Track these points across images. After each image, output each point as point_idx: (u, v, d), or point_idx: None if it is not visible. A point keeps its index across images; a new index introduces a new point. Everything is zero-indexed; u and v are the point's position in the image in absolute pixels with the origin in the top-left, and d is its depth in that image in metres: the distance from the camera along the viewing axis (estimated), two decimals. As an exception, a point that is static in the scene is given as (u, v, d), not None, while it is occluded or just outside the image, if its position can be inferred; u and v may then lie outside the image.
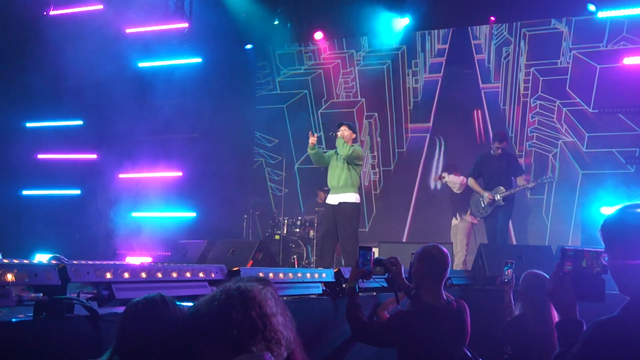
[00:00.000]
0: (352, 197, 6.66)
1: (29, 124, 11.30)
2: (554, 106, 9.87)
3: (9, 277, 2.08)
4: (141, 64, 10.83)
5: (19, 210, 10.58)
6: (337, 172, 6.73)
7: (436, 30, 10.78)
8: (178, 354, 1.91)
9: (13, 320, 2.09)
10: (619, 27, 9.44)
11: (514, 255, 5.39)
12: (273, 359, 1.82)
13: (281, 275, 3.46)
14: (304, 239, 9.15)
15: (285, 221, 9.18)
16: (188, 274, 2.89)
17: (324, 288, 3.75)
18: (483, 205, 7.69)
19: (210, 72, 10.59)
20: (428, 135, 10.69)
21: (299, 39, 11.37)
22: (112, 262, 2.86)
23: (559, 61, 9.92)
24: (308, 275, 3.68)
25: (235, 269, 3.10)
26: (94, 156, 10.99)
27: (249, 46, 11.43)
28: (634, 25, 9.31)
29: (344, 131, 6.70)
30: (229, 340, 1.80)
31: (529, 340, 3.58)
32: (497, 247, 6.65)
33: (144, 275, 2.64)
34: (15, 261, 2.27)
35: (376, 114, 11.06)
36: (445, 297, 3.21)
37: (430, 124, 10.71)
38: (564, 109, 9.77)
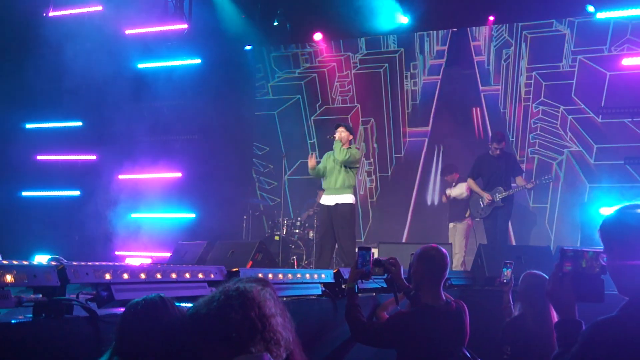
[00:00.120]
0: (349, 199, 6.70)
1: (28, 125, 11.30)
2: (558, 112, 9.65)
3: (8, 278, 2.08)
4: (140, 65, 10.84)
5: (18, 211, 10.57)
6: (334, 174, 6.75)
7: (435, 32, 10.67)
8: (177, 354, 1.91)
9: (12, 321, 2.09)
10: (622, 29, 9.28)
11: (513, 256, 5.40)
12: (272, 359, 1.82)
13: (280, 276, 3.46)
14: (303, 239, 9.15)
15: (285, 222, 9.18)
16: (187, 275, 2.89)
17: (324, 289, 3.75)
18: (482, 206, 7.69)
19: (209, 73, 10.59)
20: (427, 140, 10.56)
21: (296, 40, 11.31)
22: (111, 263, 2.86)
23: (561, 64, 9.74)
24: (307, 276, 3.68)
25: (234, 269, 3.10)
26: (94, 157, 10.99)
27: (248, 47, 11.43)
28: (639, 27, 9.13)
29: (341, 132, 6.74)
30: (228, 341, 1.80)
31: (529, 340, 3.58)
32: (497, 248, 6.65)
33: (143, 276, 2.63)
34: (15, 262, 2.26)
35: (373, 119, 10.92)
36: (444, 298, 3.21)
37: (429, 127, 10.57)
38: (569, 117, 9.54)
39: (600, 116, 9.30)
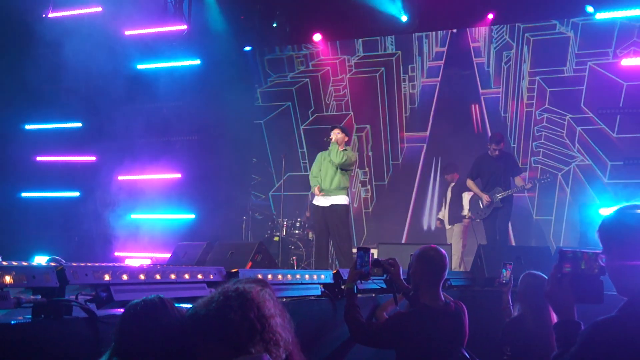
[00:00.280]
0: (344, 200, 6.79)
1: (28, 126, 11.31)
2: (564, 121, 9.35)
3: (7, 279, 2.08)
4: (140, 66, 10.84)
5: (17, 212, 10.57)
6: (329, 175, 6.80)
7: (434, 33, 10.53)
8: (177, 355, 1.91)
9: (12, 322, 2.09)
10: (628, 31, 9.02)
11: (512, 257, 5.41)
12: (271, 360, 1.82)
13: (280, 276, 3.46)
14: (303, 240, 9.14)
15: (285, 223, 9.18)
16: (186, 276, 2.89)
17: (323, 289, 3.75)
18: (482, 206, 7.68)
19: (209, 74, 10.59)
20: (425, 146, 10.37)
21: (292, 41, 11.23)
22: (110, 264, 2.86)
23: (565, 69, 9.46)
24: (307, 276, 3.68)
25: (233, 270, 3.10)
26: (93, 158, 10.99)
27: (247, 48, 11.43)
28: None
29: (337, 135, 6.78)
30: (228, 342, 1.81)
31: (528, 341, 3.58)
32: (496, 248, 6.65)
33: (142, 277, 2.63)
34: (14, 263, 2.26)
35: (368, 126, 10.73)
36: (443, 299, 3.21)
37: (427, 133, 10.37)
38: (578, 128, 9.21)
39: (616, 131, 8.88)
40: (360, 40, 10.99)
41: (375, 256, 3.66)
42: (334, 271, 3.86)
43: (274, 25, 10.70)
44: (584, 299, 1.90)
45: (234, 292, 1.88)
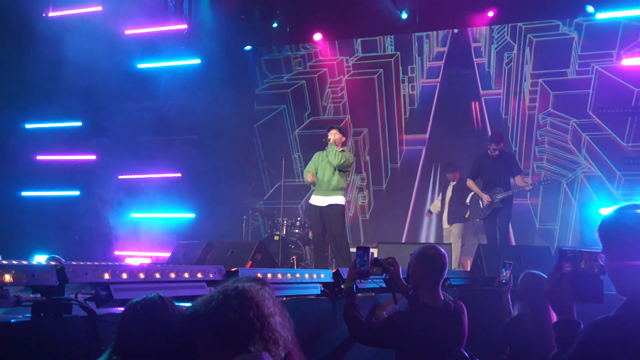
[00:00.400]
0: (341, 200, 6.84)
1: (28, 125, 11.32)
2: (568, 125, 9.10)
3: (7, 277, 2.08)
4: (140, 65, 10.84)
5: (18, 211, 10.57)
6: (326, 175, 6.83)
7: (434, 33, 10.41)
8: (176, 354, 1.91)
9: (11, 320, 2.09)
10: (633, 31, 8.85)
11: (512, 256, 5.40)
12: (271, 359, 1.82)
13: (279, 275, 3.46)
14: (303, 239, 9.14)
15: (285, 222, 9.18)
16: (186, 275, 2.89)
17: (323, 289, 3.75)
18: (482, 206, 7.67)
19: (209, 73, 10.59)
20: (424, 148, 10.21)
21: (291, 40, 11.16)
22: (110, 263, 2.86)
23: (568, 71, 9.26)
24: (306, 275, 3.68)
25: (233, 269, 3.10)
26: (93, 157, 11.00)
27: (248, 47, 11.43)
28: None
29: (334, 135, 6.80)
30: (227, 340, 1.81)
31: (528, 340, 3.58)
32: (496, 248, 6.65)
33: (142, 275, 2.63)
34: (14, 262, 2.26)
35: (366, 130, 10.59)
36: (442, 298, 3.21)
37: (427, 135, 10.21)
38: (584, 134, 8.93)
39: (626, 139, 8.54)
40: (359, 40, 10.88)
41: (375, 255, 3.66)
42: (334, 270, 3.86)
43: (274, 25, 10.67)
44: (584, 299, 1.90)
45: (234, 290, 1.89)
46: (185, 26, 10.41)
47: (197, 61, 10.73)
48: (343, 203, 6.88)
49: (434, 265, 3.17)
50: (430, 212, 9.52)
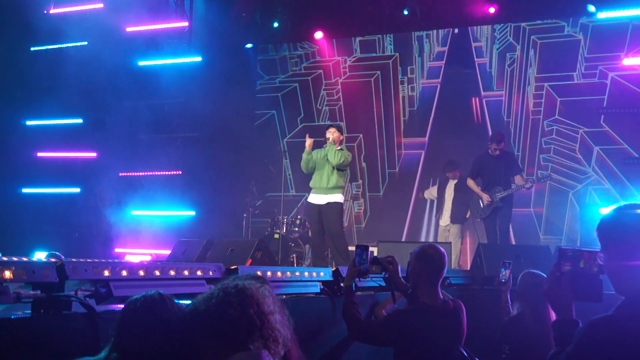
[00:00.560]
0: (339, 198, 6.86)
1: (28, 122, 11.31)
2: (577, 134, 8.77)
3: (7, 274, 2.08)
4: (141, 63, 10.83)
5: (18, 207, 10.58)
6: (325, 174, 6.85)
7: (434, 32, 10.25)
8: (176, 351, 1.91)
9: (11, 317, 2.09)
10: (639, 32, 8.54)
11: (512, 256, 5.40)
12: (270, 356, 1.82)
13: (279, 273, 3.46)
14: (303, 238, 9.14)
15: (285, 220, 9.18)
16: (186, 272, 2.89)
17: (322, 287, 3.75)
18: (482, 206, 7.67)
19: (210, 71, 10.59)
20: (423, 152, 10.00)
21: (290, 39, 11.06)
22: (110, 260, 2.86)
23: (574, 74, 8.95)
24: (306, 274, 3.68)
25: (232, 267, 3.10)
26: (94, 154, 11.00)
27: (249, 45, 11.42)
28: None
29: (333, 134, 6.83)
30: (227, 338, 1.81)
31: (527, 339, 3.59)
32: (496, 247, 6.65)
33: (141, 273, 2.64)
34: (14, 258, 2.27)
35: (361, 135, 10.39)
36: (441, 297, 3.21)
37: (427, 138, 10.00)
38: (596, 147, 8.56)
39: None
40: (358, 40, 10.71)
41: (375, 254, 3.67)
42: (334, 269, 3.86)
43: (275, 25, 10.64)
44: (583, 298, 1.90)
45: (234, 288, 1.89)
46: (186, 24, 10.41)
47: (198, 59, 10.72)
48: (341, 201, 6.91)
49: (433, 264, 3.18)
50: (423, 196, 9.39)
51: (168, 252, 7.58)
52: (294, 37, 11.11)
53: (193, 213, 10.57)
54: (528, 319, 3.65)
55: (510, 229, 8.17)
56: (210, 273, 3.02)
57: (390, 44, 10.59)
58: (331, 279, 3.80)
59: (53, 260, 2.41)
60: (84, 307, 2.29)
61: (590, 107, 8.83)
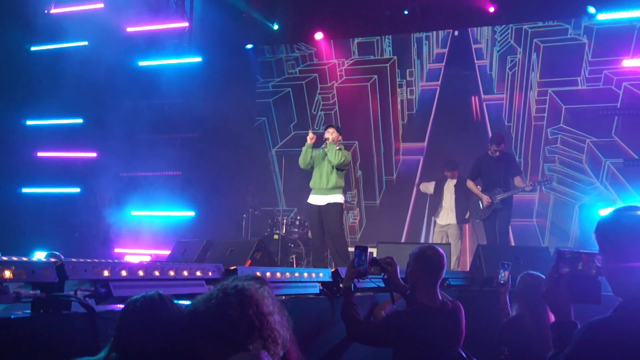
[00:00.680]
0: (339, 198, 6.87)
1: (29, 122, 11.31)
2: (584, 144, 8.48)
3: (7, 273, 2.09)
4: (141, 63, 10.84)
5: (18, 207, 10.57)
6: (324, 174, 6.86)
7: (434, 33, 10.08)
8: (175, 351, 1.92)
9: (11, 316, 2.10)
10: None
11: (511, 257, 5.41)
12: (269, 357, 1.83)
13: (278, 274, 3.46)
14: (302, 238, 9.14)
15: (285, 221, 9.18)
16: (185, 273, 2.89)
17: (321, 288, 3.75)
18: (482, 207, 7.67)
19: (210, 71, 10.59)
20: (422, 158, 9.80)
21: (289, 39, 10.99)
22: (109, 260, 2.87)
23: (578, 79, 8.65)
24: (305, 274, 3.68)
25: (232, 268, 3.11)
26: (94, 154, 11.00)
27: (249, 46, 11.42)
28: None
29: (332, 134, 6.84)
30: (226, 338, 1.82)
31: (526, 341, 3.59)
32: (495, 248, 6.65)
33: (141, 273, 2.64)
34: (14, 258, 2.27)
35: (356, 143, 10.18)
36: (440, 298, 3.22)
37: (425, 143, 9.80)
38: (607, 161, 8.23)
39: None
40: (356, 42, 10.54)
41: (374, 255, 3.67)
42: (333, 269, 3.87)
43: (275, 28, 10.63)
44: (582, 299, 1.91)
45: (233, 289, 1.90)
46: (186, 24, 10.42)
47: (198, 59, 10.72)
48: (342, 202, 6.91)
49: (432, 265, 3.18)
50: (418, 187, 9.30)
51: (167, 252, 7.58)
52: (293, 37, 11.06)
53: (192, 213, 10.57)
54: (527, 320, 3.65)
55: (510, 231, 8.12)
56: (210, 274, 3.02)
57: (389, 46, 10.45)
58: (330, 279, 3.80)
59: (53, 260, 2.42)
60: (84, 307, 2.29)
61: (598, 116, 8.50)
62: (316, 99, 10.64)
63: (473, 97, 9.71)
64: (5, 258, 2.29)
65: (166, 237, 9.46)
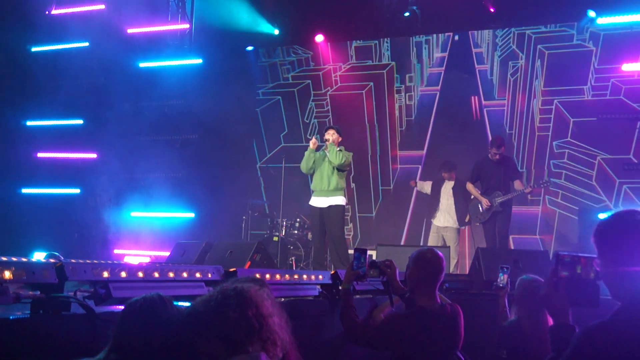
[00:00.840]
0: (341, 200, 6.86)
1: (29, 123, 11.32)
2: (594, 161, 8.08)
3: (7, 274, 2.09)
4: (142, 64, 10.85)
5: (18, 208, 10.58)
6: (325, 175, 6.87)
7: (434, 37, 9.92)
8: (175, 353, 1.92)
9: (10, 317, 2.10)
10: None
11: (510, 260, 5.41)
12: (269, 359, 1.83)
13: (278, 276, 3.47)
14: (302, 240, 9.14)
15: (284, 223, 9.18)
16: (185, 274, 2.90)
17: (321, 290, 3.76)
18: (481, 210, 7.67)
19: (210, 73, 10.59)
20: (420, 167, 9.59)
21: (291, 41, 10.92)
22: (109, 262, 2.87)
23: (585, 88, 8.34)
24: (305, 277, 3.69)
25: (231, 269, 3.11)
26: (94, 155, 11.00)
27: (249, 48, 11.43)
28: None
29: (332, 135, 6.85)
30: (226, 340, 1.82)
31: (525, 344, 3.59)
32: (495, 252, 6.64)
33: (141, 274, 2.64)
34: (13, 259, 2.28)
35: (351, 153, 9.99)
36: (439, 301, 3.21)
37: (424, 151, 9.55)
38: (619, 181, 7.81)
39: None
40: (354, 46, 10.35)
41: (374, 258, 3.67)
42: (332, 272, 3.87)
43: (276, 32, 10.63)
44: (580, 303, 1.91)
45: (233, 290, 1.90)
46: (187, 25, 10.43)
47: (199, 61, 10.73)
48: (343, 203, 6.90)
49: (431, 268, 3.18)
50: (415, 183, 9.19)
51: (167, 253, 7.58)
52: (292, 40, 11.02)
53: (192, 215, 10.57)
54: (526, 323, 3.65)
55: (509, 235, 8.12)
56: (209, 275, 3.03)
57: (388, 51, 10.23)
58: (330, 282, 3.80)
59: (52, 261, 2.42)
60: (83, 308, 2.30)
61: (608, 130, 8.12)
62: (309, 106, 10.45)
63: (473, 98, 9.53)
64: (5, 259, 2.29)
65: (166, 238, 9.46)
